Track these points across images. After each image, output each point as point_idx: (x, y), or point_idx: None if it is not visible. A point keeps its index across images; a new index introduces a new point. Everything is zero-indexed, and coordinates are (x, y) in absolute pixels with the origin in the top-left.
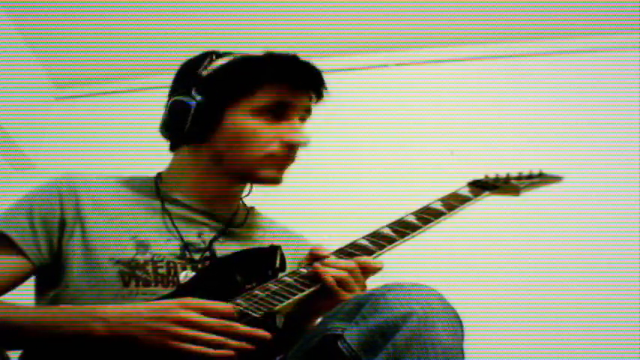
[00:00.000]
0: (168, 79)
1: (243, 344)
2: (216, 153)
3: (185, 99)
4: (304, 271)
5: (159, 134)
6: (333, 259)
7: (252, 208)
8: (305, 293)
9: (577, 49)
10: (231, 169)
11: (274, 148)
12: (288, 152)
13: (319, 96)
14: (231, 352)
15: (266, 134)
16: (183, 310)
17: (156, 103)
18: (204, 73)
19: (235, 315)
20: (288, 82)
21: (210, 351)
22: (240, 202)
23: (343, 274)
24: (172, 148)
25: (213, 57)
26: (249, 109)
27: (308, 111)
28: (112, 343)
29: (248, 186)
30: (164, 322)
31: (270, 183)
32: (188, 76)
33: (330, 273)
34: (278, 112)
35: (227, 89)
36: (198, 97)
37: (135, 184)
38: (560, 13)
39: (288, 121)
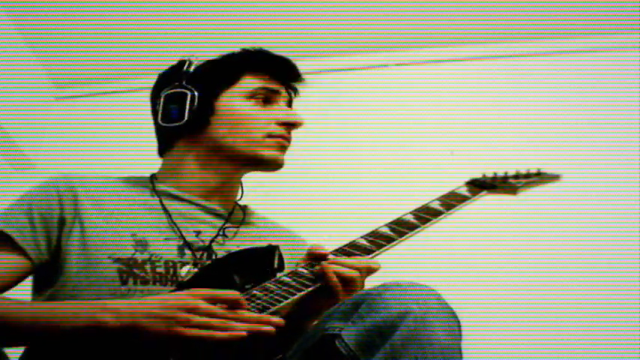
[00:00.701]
0: None
1: (253, 327)
2: (215, 141)
3: (180, 90)
4: (303, 270)
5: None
6: (340, 258)
7: (245, 206)
8: (303, 293)
9: (577, 49)
10: (233, 155)
11: (272, 127)
12: (286, 132)
13: (293, 87)
14: (241, 334)
15: (262, 115)
16: (190, 297)
17: None
18: (191, 69)
19: (245, 303)
20: (266, 70)
21: (219, 334)
22: (236, 203)
23: (354, 273)
24: (163, 149)
25: (192, 61)
26: (239, 95)
27: (289, 101)
28: (122, 334)
29: (240, 188)
30: (172, 310)
31: (273, 165)
32: (174, 75)
33: (333, 270)
34: (266, 97)
35: (214, 78)
36: (192, 88)
37: (133, 183)
38: (560, 13)
39: (278, 105)
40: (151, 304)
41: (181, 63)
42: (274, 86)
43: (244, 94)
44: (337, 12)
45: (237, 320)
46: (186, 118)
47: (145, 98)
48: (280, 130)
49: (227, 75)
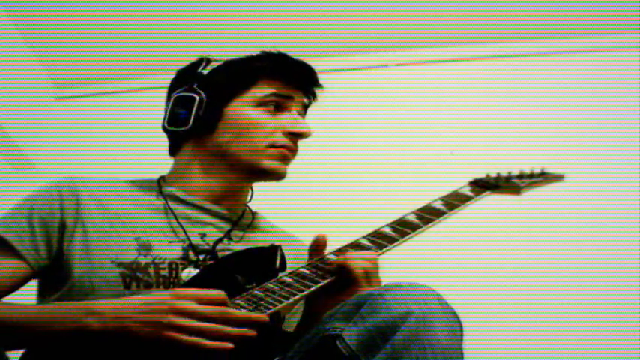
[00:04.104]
0: (168, 79)
1: (242, 331)
2: (220, 147)
3: (189, 93)
4: (305, 271)
5: (159, 134)
6: (355, 252)
7: (256, 213)
8: (304, 293)
9: (577, 49)
10: (235, 163)
11: (277, 137)
12: (291, 142)
13: (312, 92)
14: (228, 345)
15: (268, 124)
16: (177, 299)
17: (156, 103)
18: (205, 71)
19: (229, 302)
20: (282, 76)
21: (208, 342)
22: (246, 206)
23: (368, 265)
24: (173, 151)
25: (210, 60)
26: (249, 101)
27: (304, 107)
28: (108, 337)
29: (250, 191)
30: (158, 313)
31: (274, 175)
32: (188, 75)
33: (357, 263)
34: (277, 105)
35: (228, 83)
36: (202, 92)
37: (138, 185)
38: (560, 13)
39: (289, 113)
40: (137, 306)
41: (199, 62)
42: (287, 92)
43: (254, 101)
44: (337, 12)
45: (223, 320)
46: (190, 125)
47: (145, 98)
48: (284, 140)
49: (240, 82)
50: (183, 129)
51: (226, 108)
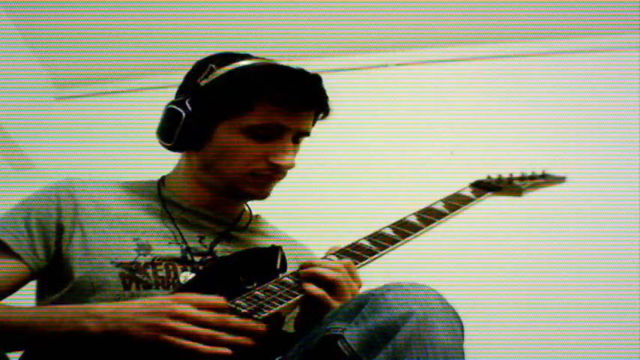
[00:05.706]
0: (168, 80)
1: (238, 338)
2: (206, 162)
3: (178, 107)
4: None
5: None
6: (315, 266)
7: (257, 215)
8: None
9: (577, 49)
10: (217, 182)
11: (258, 166)
12: (273, 172)
13: (319, 116)
14: (226, 350)
15: (252, 153)
16: (177, 304)
17: (156, 103)
18: (202, 83)
19: (228, 308)
20: (285, 106)
21: (206, 347)
22: (246, 207)
23: (334, 273)
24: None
25: (214, 67)
26: (239, 127)
27: (305, 133)
28: (107, 340)
29: None
30: (157, 317)
31: (252, 199)
32: (189, 82)
33: (314, 272)
34: (270, 133)
35: (218, 106)
36: (190, 109)
37: (136, 188)
38: (560, 13)
39: (280, 141)
40: (136, 309)
41: (207, 61)
42: (284, 121)
43: (245, 127)
44: (337, 12)
45: (221, 326)
46: (172, 144)
47: (145, 98)
48: (265, 170)
49: (234, 107)
50: (167, 145)
51: (216, 128)
